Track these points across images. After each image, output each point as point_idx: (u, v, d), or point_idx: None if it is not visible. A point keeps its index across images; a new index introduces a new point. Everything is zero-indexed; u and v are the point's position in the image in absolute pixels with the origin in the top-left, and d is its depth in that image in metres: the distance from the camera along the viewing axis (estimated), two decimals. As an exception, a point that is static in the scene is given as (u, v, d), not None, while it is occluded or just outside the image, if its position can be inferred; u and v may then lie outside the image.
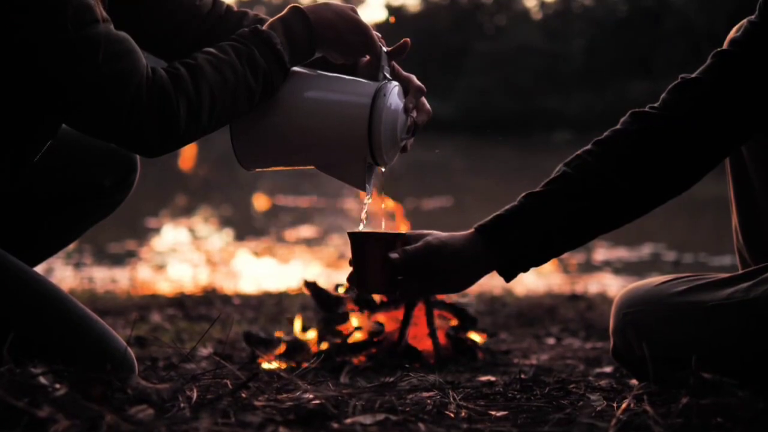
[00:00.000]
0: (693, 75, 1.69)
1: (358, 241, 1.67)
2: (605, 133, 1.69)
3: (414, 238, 1.67)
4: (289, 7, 1.65)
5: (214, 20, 1.77)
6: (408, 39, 1.74)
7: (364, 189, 1.68)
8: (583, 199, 1.65)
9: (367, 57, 1.72)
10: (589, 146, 1.69)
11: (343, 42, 1.66)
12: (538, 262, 1.69)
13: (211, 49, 1.56)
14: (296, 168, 1.74)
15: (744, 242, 1.88)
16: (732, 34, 1.74)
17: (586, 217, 1.66)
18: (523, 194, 1.67)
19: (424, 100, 1.73)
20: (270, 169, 1.73)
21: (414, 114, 1.69)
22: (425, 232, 1.68)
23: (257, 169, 1.72)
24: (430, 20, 37.12)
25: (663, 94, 1.70)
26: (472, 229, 1.67)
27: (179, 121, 1.49)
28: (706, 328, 1.68)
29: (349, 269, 1.69)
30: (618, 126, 1.70)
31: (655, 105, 1.70)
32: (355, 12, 1.68)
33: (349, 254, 1.69)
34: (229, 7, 1.81)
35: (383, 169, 1.71)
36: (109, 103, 1.45)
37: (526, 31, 35.44)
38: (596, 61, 32.80)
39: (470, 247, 1.64)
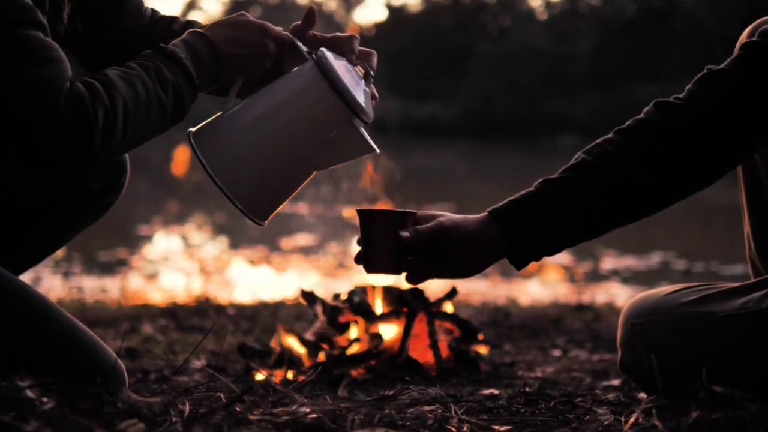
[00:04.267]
0: (720, 66, 1.66)
1: (367, 217, 1.66)
2: (627, 123, 1.67)
3: (425, 218, 1.66)
4: (186, 32, 1.70)
5: (152, 25, 1.85)
6: (313, 6, 1.78)
7: (374, 149, 1.68)
8: (600, 189, 1.63)
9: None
10: (610, 135, 1.67)
11: (247, 44, 1.69)
12: (551, 251, 1.67)
13: (119, 67, 1.60)
14: (305, 183, 1.74)
15: (756, 250, 1.88)
16: (755, 24, 1.74)
17: (602, 208, 1.64)
18: (540, 180, 1.66)
19: (359, 46, 1.77)
20: (283, 205, 1.73)
21: (360, 66, 1.74)
22: (437, 213, 1.68)
23: (273, 214, 1.72)
24: (432, 21, 37.17)
25: (689, 85, 1.67)
26: (485, 213, 1.65)
27: (96, 132, 1.51)
28: (717, 339, 1.68)
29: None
30: (641, 115, 1.67)
31: (680, 96, 1.67)
32: (245, 15, 1.72)
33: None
34: (157, 13, 1.89)
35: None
36: (27, 107, 1.47)
37: (531, 31, 35.47)
38: (603, 63, 32.83)
39: (483, 231, 1.63)
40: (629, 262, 7.51)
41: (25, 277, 1.92)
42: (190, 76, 1.62)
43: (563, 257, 7.74)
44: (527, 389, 1.95)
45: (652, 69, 30.68)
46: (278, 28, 1.73)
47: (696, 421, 1.35)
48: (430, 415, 1.55)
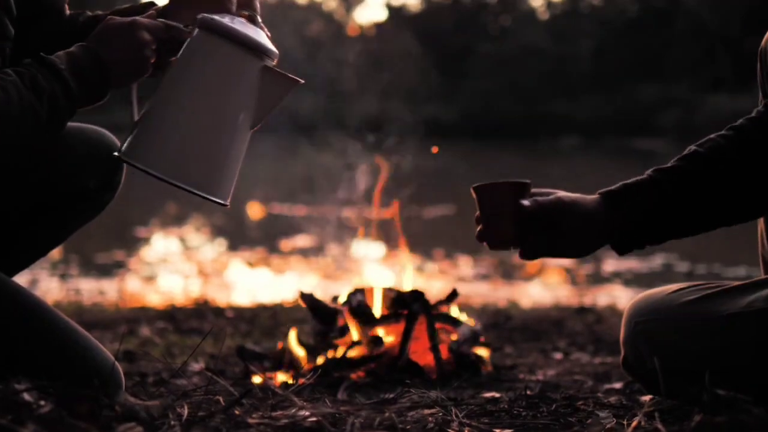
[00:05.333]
0: None
1: (486, 191, 1.68)
2: (739, 121, 1.70)
3: (540, 193, 1.69)
4: (75, 45, 1.69)
5: (69, 27, 1.86)
6: None
7: (298, 80, 1.69)
8: (710, 182, 1.65)
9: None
10: (723, 131, 1.69)
11: (125, 47, 1.67)
12: (656, 239, 1.69)
13: None
14: (244, 148, 1.74)
15: None
16: None
17: (711, 200, 1.67)
18: (652, 168, 1.68)
19: None
20: (236, 178, 1.74)
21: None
22: (551, 190, 1.70)
23: (233, 189, 1.73)
24: (432, 21, 37.17)
25: None
26: (597, 194, 1.68)
27: None
28: (723, 337, 1.67)
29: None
30: (752, 114, 1.69)
31: None
32: (113, 19, 1.71)
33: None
34: (84, 14, 1.91)
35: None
36: None
37: (532, 32, 35.48)
38: (605, 64, 32.84)
39: (595, 211, 1.66)
40: (631, 264, 7.51)
41: (22, 279, 1.92)
42: (67, 86, 1.62)
43: (564, 259, 7.73)
44: (528, 392, 1.95)
45: (654, 69, 30.67)
46: (146, 20, 1.71)
47: (699, 425, 1.35)
48: (430, 418, 1.55)
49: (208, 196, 1.67)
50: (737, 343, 1.66)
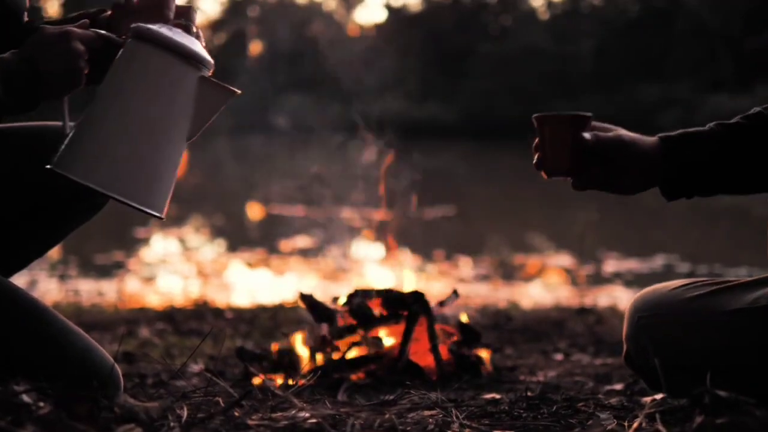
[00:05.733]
0: None
1: (547, 121, 1.70)
2: None
3: (600, 128, 1.70)
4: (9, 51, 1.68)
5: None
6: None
7: (234, 91, 1.68)
8: None
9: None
10: None
11: (56, 58, 1.64)
12: (706, 190, 1.71)
13: None
14: (180, 160, 1.72)
15: None
16: None
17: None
18: (714, 122, 1.71)
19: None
20: (172, 189, 1.71)
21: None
22: (612, 126, 1.72)
23: (169, 201, 1.71)
24: (433, 21, 37.18)
25: None
26: (656, 137, 1.70)
27: None
28: (728, 333, 1.67)
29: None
30: None
31: None
32: (45, 29, 1.68)
33: None
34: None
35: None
36: None
37: (533, 32, 35.48)
38: (606, 64, 32.83)
39: (653, 154, 1.68)
40: (632, 264, 7.51)
41: (21, 280, 1.92)
42: None
43: (564, 259, 7.74)
44: (529, 394, 1.95)
45: (655, 69, 30.67)
46: (79, 30, 1.68)
47: (700, 426, 1.35)
48: (430, 420, 1.55)
49: (142, 208, 1.64)
50: (741, 340, 1.65)
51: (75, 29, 1.67)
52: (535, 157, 1.71)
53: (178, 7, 1.80)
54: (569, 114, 1.71)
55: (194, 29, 1.75)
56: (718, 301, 1.70)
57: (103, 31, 1.70)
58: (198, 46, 1.69)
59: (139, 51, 1.65)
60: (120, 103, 1.66)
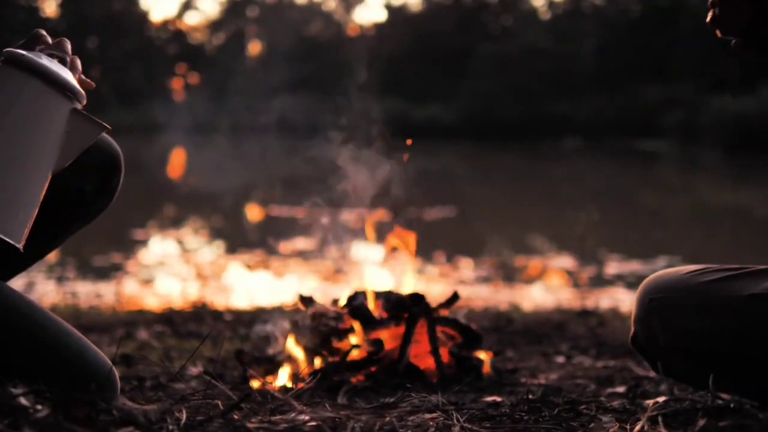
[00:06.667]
0: None
1: None
2: None
3: None
4: None
5: None
6: None
7: (104, 126, 1.63)
8: None
9: None
10: None
11: None
12: None
13: None
14: (42, 191, 1.66)
15: None
16: None
17: None
18: None
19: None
20: (32, 220, 1.65)
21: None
22: None
23: (27, 231, 1.63)
24: (433, 21, 37.21)
25: None
26: None
27: None
28: (741, 318, 1.64)
29: None
30: None
31: None
32: None
33: None
34: None
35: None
36: None
37: (534, 32, 35.51)
38: (608, 64, 32.86)
39: None
40: (634, 266, 7.51)
41: (19, 282, 1.92)
42: None
43: (566, 261, 7.74)
44: (530, 396, 1.95)
45: (657, 70, 30.70)
46: None
47: (703, 429, 1.35)
48: (431, 422, 1.55)
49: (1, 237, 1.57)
50: (756, 323, 1.63)
51: None
52: (710, 13, 1.69)
53: (54, 41, 1.74)
54: None
55: (68, 61, 1.70)
56: (734, 286, 1.68)
57: None
58: (71, 78, 1.64)
59: (10, 77, 1.60)
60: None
